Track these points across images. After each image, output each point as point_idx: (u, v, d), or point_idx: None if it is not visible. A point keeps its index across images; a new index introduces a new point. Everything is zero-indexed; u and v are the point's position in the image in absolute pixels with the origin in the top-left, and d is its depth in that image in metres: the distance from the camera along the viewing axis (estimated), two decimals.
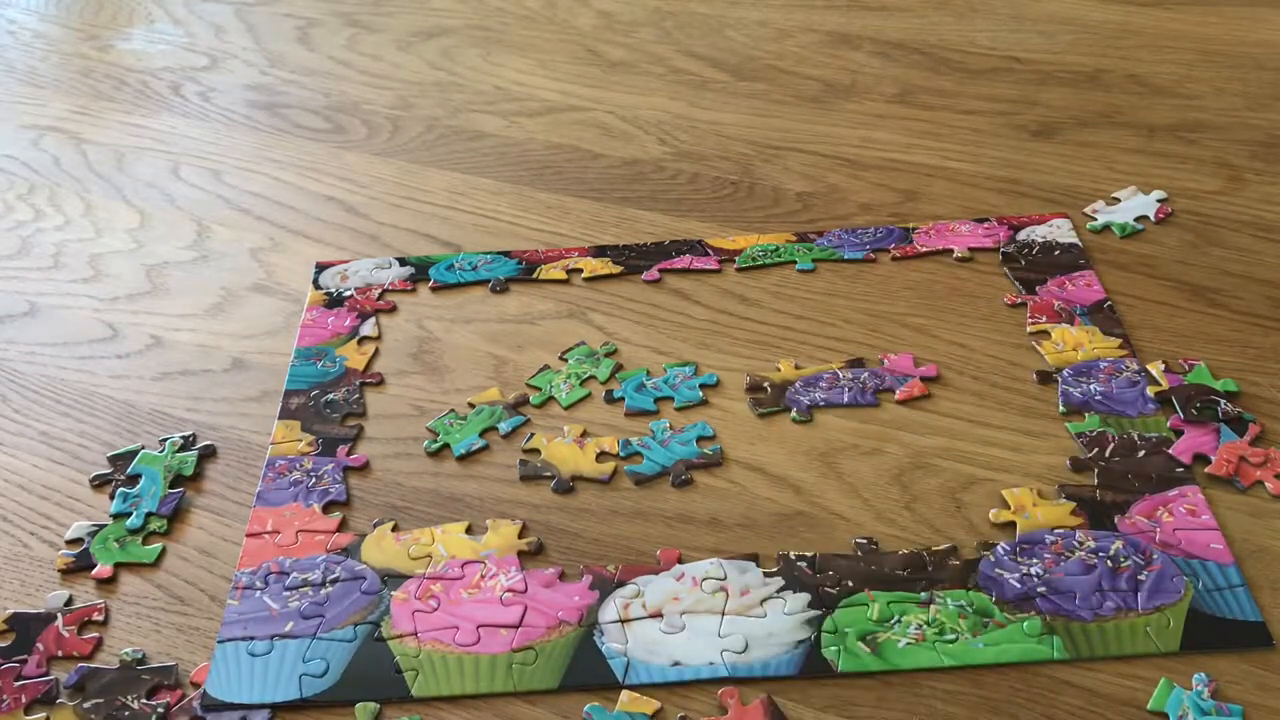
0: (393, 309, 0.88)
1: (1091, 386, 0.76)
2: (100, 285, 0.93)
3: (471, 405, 0.79)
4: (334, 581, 0.67)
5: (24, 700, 0.63)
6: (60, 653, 0.65)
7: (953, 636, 0.62)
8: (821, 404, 0.77)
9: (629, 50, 1.22)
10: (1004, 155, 1.01)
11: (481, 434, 0.77)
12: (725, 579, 0.66)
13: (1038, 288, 0.85)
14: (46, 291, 0.93)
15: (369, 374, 0.82)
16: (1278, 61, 1.11)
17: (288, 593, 0.67)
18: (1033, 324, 0.82)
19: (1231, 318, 0.82)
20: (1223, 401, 0.74)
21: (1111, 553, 0.65)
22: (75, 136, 1.13)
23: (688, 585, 0.66)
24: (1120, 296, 0.84)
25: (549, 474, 0.74)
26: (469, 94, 1.16)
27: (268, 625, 0.65)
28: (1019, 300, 0.84)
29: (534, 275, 0.90)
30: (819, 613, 0.64)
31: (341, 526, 0.71)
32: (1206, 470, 0.70)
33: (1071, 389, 0.76)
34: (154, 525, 0.72)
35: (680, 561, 0.68)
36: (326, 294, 0.90)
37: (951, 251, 0.89)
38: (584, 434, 0.76)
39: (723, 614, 0.64)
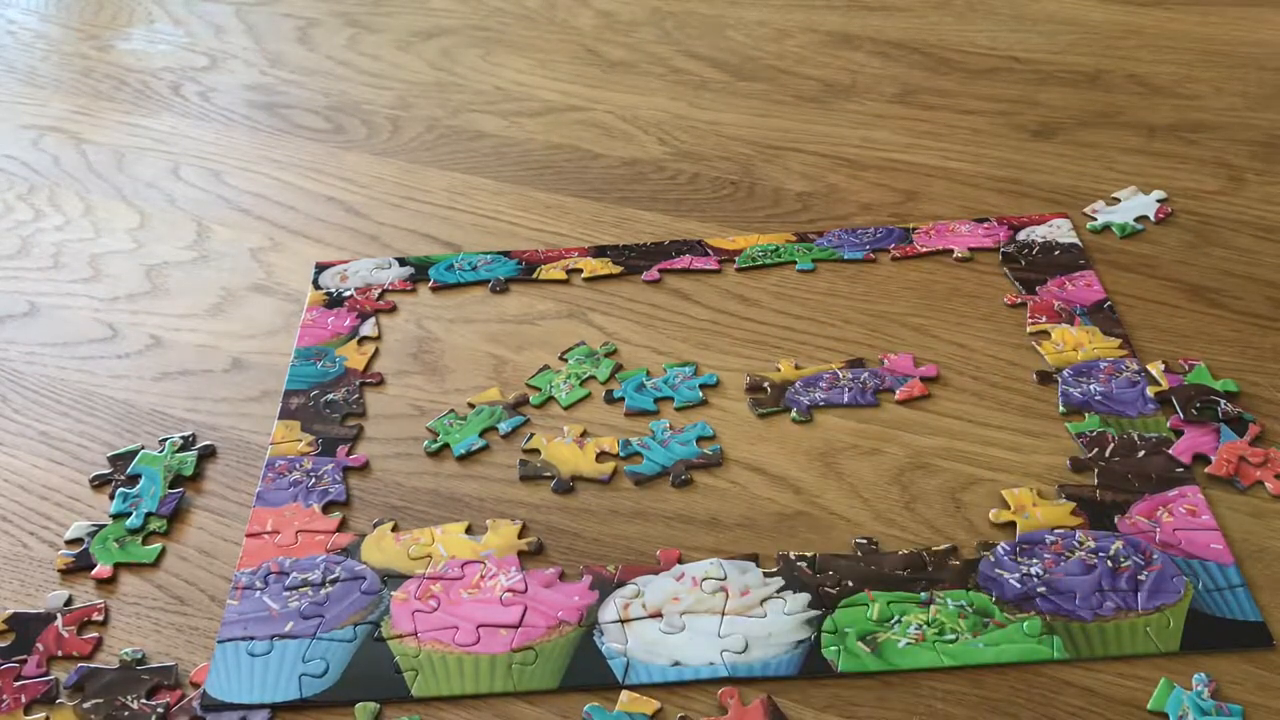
0: (393, 309, 0.88)
1: (1091, 387, 0.76)
2: (100, 285, 0.93)
3: (471, 405, 0.79)
4: (334, 581, 0.67)
5: (24, 700, 0.63)
6: (60, 653, 0.65)
7: (953, 636, 0.62)
8: (821, 404, 0.77)
9: (629, 50, 1.22)
10: (1004, 155, 1.01)
11: (481, 434, 0.77)
12: (725, 579, 0.66)
13: (1038, 288, 0.85)
14: (46, 291, 0.93)
15: (369, 374, 0.82)
16: (1278, 61, 1.11)
17: (287, 593, 0.67)
18: (1033, 324, 0.82)
19: (1231, 318, 0.82)
20: (1223, 401, 0.74)
21: (1111, 553, 0.65)
22: (75, 136, 1.13)
23: (688, 585, 0.66)
24: (1120, 296, 0.84)
25: (549, 474, 0.74)
26: (469, 94, 1.16)
27: (267, 625, 0.65)
28: (1019, 300, 0.84)
29: (534, 275, 0.90)
30: (819, 613, 0.64)
31: (341, 526, 0.71)
32: (1206, 470, 0.70)
33: (1071, 389, 0.76)
34: (154, 525, 0.72)
35: (680, 561, 0.68)
36: (326, 294, 0.90)
37: (951, 251, 0.89)
38: (584, 434, 0.76)
39: (723, 614, 0.64)
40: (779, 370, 0.80)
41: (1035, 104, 1.08)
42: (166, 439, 0.78)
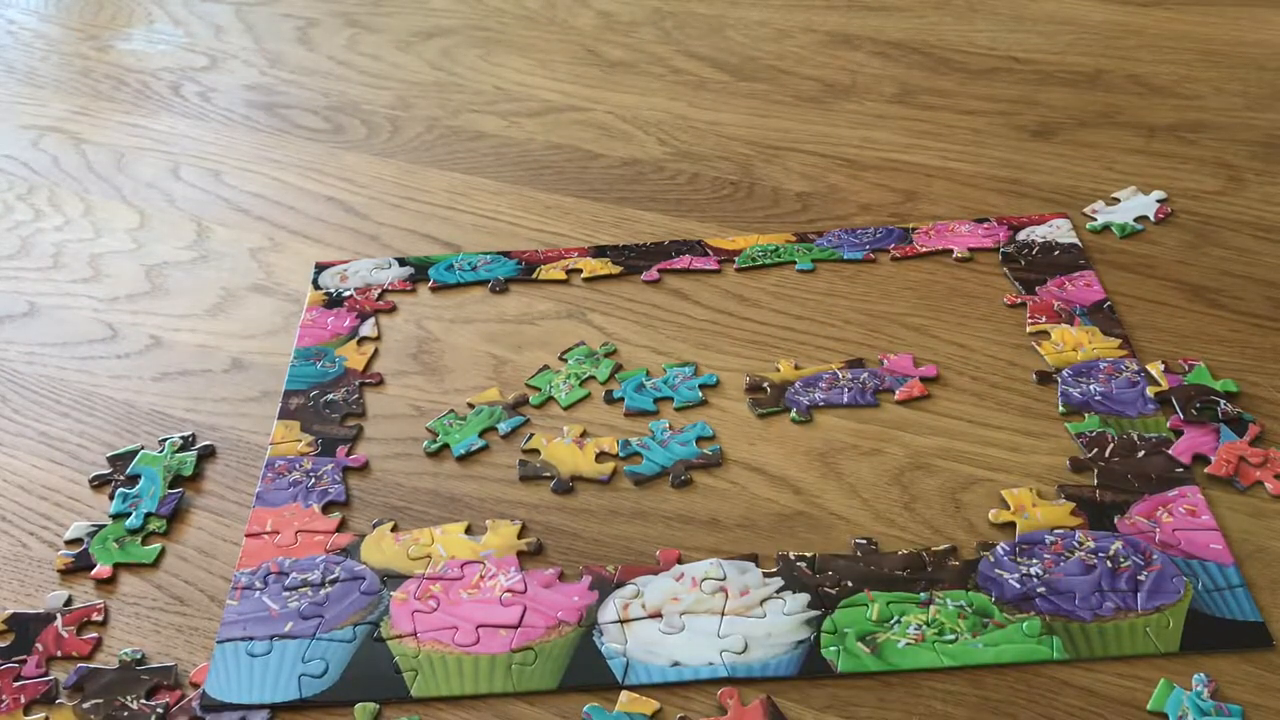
0: (392, 309, 0.88)
1: (1091, 387, 0.76)
2: (100, 285, 0.93)
3: (471, 405, 0.79)
4: (333, 582, 0.67)
5: (23, 700, 0.63)
6: (60, 653, 0.65)
7: (952, 637, 0.62)
8: (821, 404, 0.77)
9: (629, 50, 1.22)
10: (1004, 155, 1.01)
11: (481, 434, 0.77)
12: (725, 579, 0.66)
13: (1037, 288, 0.85)
14: (46, 291, 0.93)
15: (368, 374, 0.82)
16: (1278, 61, 1.11)
17: (287, 593, 0.67)
18: (1032, 324, 0.82)
19: (1231, 318, 0.82)
20: (1222, 401, 0.74)
21: (1111, 553, 0.65)
22: (75, 137, 1.13)
23: (687, 585, 0.66)
24: (1120, 297, 0.84)
25: (548, 474, 0.74)
26: (468, 94, 1.16)
27: (267, 625, 0.65)
28: (1019, 300, 0.84)
29: (533, 275, 0.90)
30: (818, 613, 0.64)
31: (341, 527, 0.71)
32: (1206, 470, 0.70)
33: (1071, 389, 0.76)
34: (153, 525, 0.72)
35: (680, 562, 0.68)
36: (326, 294, 0.90)
37: (951, 252, 0.89)
38: (583, 434, 0.76)
39: (722, 614, 0.64)
40: (778, 370, 0.80)
41: (1035, 104, 1.08)
42: (166, 439, 0.78)
